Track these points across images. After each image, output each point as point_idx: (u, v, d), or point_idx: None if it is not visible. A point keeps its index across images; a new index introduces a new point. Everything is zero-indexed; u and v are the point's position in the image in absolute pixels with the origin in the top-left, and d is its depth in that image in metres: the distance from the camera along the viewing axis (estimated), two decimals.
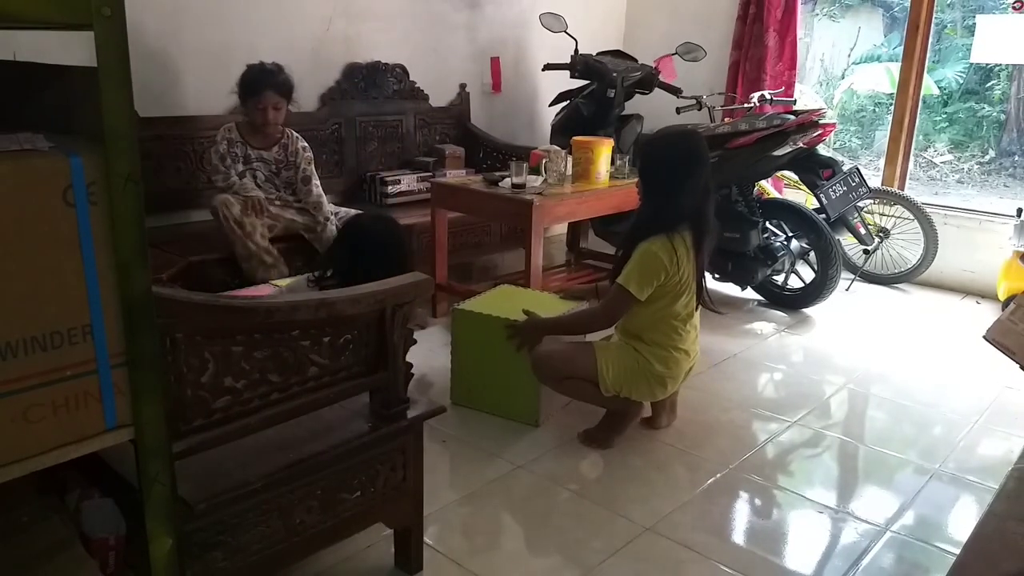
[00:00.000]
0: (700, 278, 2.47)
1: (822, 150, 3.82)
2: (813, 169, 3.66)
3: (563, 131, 3.95)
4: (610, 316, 2.44)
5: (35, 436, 0.94)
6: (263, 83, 3.05)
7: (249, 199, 3.02)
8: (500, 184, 3.29)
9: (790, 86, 4.58)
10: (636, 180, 2.51)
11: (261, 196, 3.07)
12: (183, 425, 1.32)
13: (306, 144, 3.26)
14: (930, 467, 2.44)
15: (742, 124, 3.73)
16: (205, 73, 3.40)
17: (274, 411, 1.47)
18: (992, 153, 7.81)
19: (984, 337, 1.87)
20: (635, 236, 2.37)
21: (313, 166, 3.29)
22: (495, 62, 4.60)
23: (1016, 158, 7.68)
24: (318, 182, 3.30)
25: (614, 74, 3.92)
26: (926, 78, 4.68)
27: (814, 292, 3.80)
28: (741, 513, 2.22)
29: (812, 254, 3.79)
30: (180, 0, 3.28)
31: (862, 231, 3.83)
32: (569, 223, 4.29)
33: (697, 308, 2.50)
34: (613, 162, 3.55)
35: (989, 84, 7.83)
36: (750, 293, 4.02)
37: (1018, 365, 1.83)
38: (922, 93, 4.57)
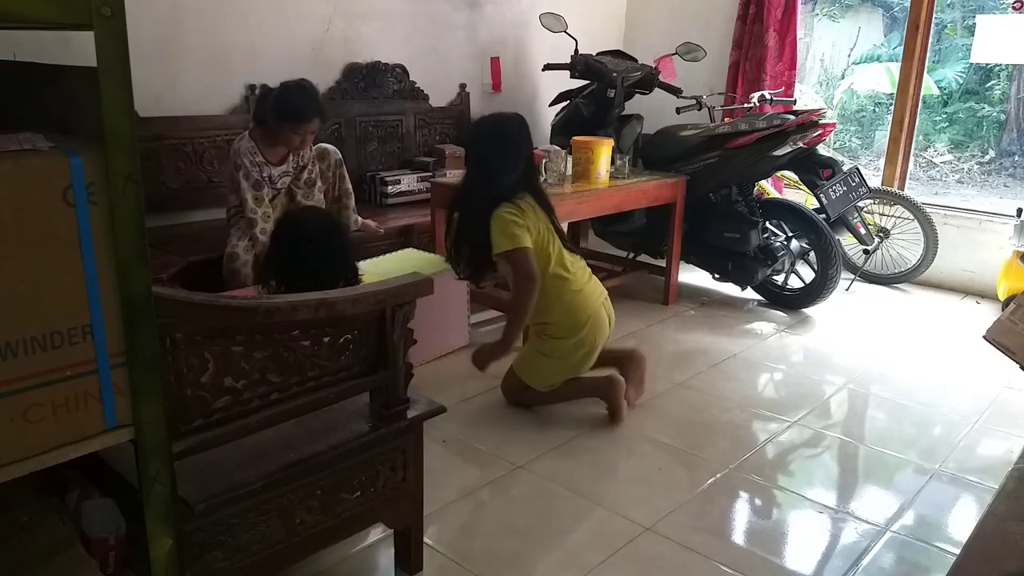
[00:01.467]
0: (559, 232, 2.67)
1: (822, 150, 3.82)
2: (813, 169, 3.66)
3: (563, 131, 3.95)
4: (526, 274, 2.51)
5: (35, 436, 0.94)
6: (313, 112, 2.90)
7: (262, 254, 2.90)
8: None
9: (790, 86, 4.59)
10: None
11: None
12: (183, 425, 1.32)
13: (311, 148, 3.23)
14: (930, 467, 2.44)
15: (742, 124, 3.73)
16: (205, 73, 3.40)
17: (274, 411, 1.47)
18: (992, 153, 7.81)
19: (984, 337, 1.87)
20: (470, 216, 2.59)
21: (342, 169, 3.26)
22: (495, 62, 4.60)
23: (1016, 158, 7.68)
24: (349, 187, 3.27)
25: (614, 74, 3.92)
26: (926, 78, 4.68)
27: (814, 292, 3.80)
28: (741, 513, 2.22)
29: (812, 254, 3.79)
30: (180, 0, 3.28)
31: (862, 231, 3.83)
32: (569, 223, 4.28)
33: (570, 253, 2.70)
34: (613, 162, 3.56)
35: (989, 84, 7.84)
36: (750, 293, 4.02)
37: (1018, 365, 1.83)
38: (922, 93, 4.57)
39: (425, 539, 1.91)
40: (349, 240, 2.31)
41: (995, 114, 7.78)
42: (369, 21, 3.98)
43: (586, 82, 4.09)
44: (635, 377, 2.75)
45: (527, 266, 2.52)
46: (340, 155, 3.27)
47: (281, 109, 2.87)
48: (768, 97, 4.14)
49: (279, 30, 3.61)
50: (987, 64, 7.37)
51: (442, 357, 3.14)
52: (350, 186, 3.31)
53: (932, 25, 4.43)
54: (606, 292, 2.76)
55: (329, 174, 3.23)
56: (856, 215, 3.79)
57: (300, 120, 2.87)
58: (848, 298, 4.13)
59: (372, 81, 4.00)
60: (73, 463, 1.01)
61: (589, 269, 2.77)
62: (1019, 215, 3.73)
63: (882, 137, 6.97)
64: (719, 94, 4.63)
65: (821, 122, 3.58)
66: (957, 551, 1.40)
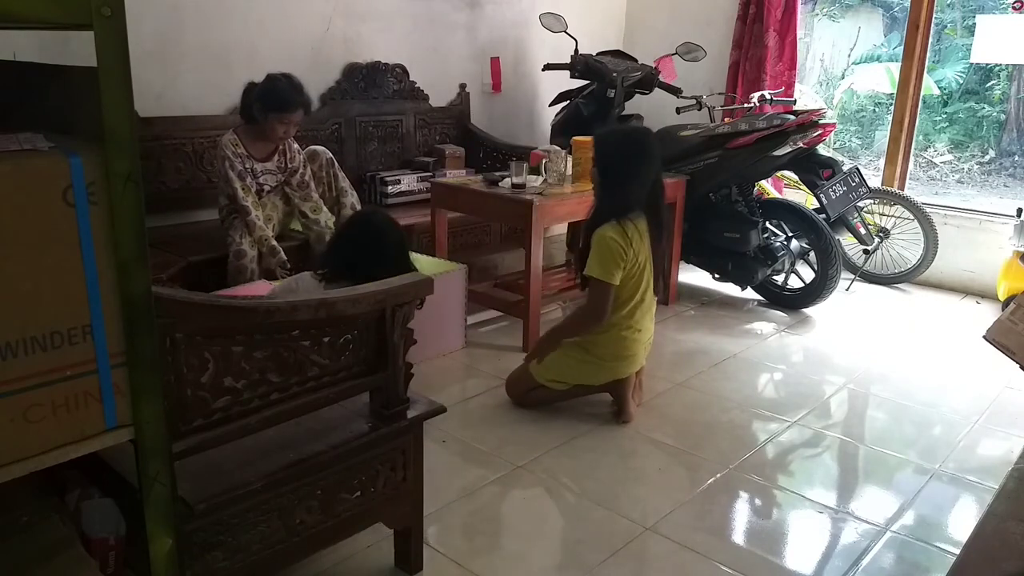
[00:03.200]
0: (657, 264, 2.66)
1: (822, 150, 3.82)
2: (813, 169, 3.66)
3: (563, 131, 3.95)
4: (597, 310, 2.53)
5: (35, 436, 0.94)
6: (297, 102, 2.96)
7: (265, 246, 2.98)
8: (500, 184, 3.29)
9: (790, 86, 4.59)
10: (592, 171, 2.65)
11: (272, 242, 3.02)
12: (183, 425, 1.32)
13: (298, 146, 3.25)
14: (930, 467, 2.44)
15: (742, 124, 3.73)
16: (205, 73, 3.40)
17: (274, 411, 1.47)
18: (992, 153, 7.81)
19: (984, 337, 1.87)
20: (592, 225, 2.55)
21: (336, 168, 3.29)
22: (495, 62, 4.60)
23: (1016, 158, 7.68)
24: (345, 185, 3.31)
25: (614, 74, 3.92)
26: (926, 78, 4.68)
27: (814, 292, 3.80)
28: (741, 513, 2.22)
29: (812, 254, 3.79)
30: (180, 0, 3.28)
31: (862, 231, 3.83)
32: (569, 223, 4.28)
33: (656, 293, 2.70)
34: None
35: (989, 84, 7.84)
36: (750, 293, 4.02)
37: (1018, 365, 1.83)
38: (922, 93, 4.57)
39: (425, 539, 1.91)
40: (406, 249, 2.39)
41: (995, 114, 7.78)
42: (369, 21, 3.98)
43: (586, 82, 4.09)
44: (637, 379, 2.75)
45: (603, 303, 2.51)
46: (330, 154, 3.29)
47: (267, 99, 2.94)
48: (768, 97, 4.14)
49: (279, 30, 3.61)
50: (987, 64, 7.38)
51: (441, 357, 3.14)
52: (346, 183, 3.32)
53: (932, 25, 4.43)
54: (652, 334, 2.76)
55: (323, 174, 3.25)
56: (856, 215, 3.79)
57: (285, 109, 2.93)
58: (848, 298, 4.13)
59: (372, 81, 4.00)
60: (73, 463, 1.01)
61: (655, 306, 2.75)
62: (1019, 215, 3.73)
63: (882, 137, 6.97)
64: (719, 94, 4.64)
65: (821, 122, 3.58)
66: (957, 551, 1.40)
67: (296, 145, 3.18)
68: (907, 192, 4.43)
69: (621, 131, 2.71)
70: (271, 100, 2.94)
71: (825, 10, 8.21)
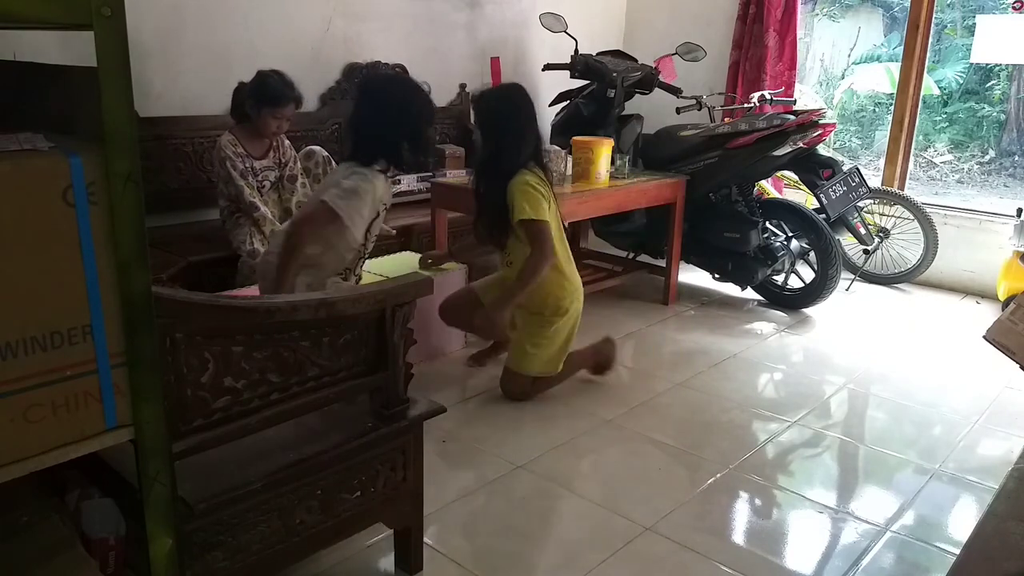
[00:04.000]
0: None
1: (822, 150, 3.82)
2: (813, 169, 3.66)
3: (563, 131, 3.94)
4: (544, 249, 2.60)
5: (35, 436, 0.94)
6: (288, 96, 3.00)
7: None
8: None
9: (790, 86, 4.59)
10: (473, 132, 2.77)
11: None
12: (183, 425, 1.32)
13: (289, 142, 3.25)
14: (930, 467, 2.44)
15: (742, 124, 3.73)
16: (205, 73, 3.40)
17: (274, 411, 1.47)
18: (992, 153, 7.81)
19: (984, 337, 1.87)
20: (491, 178, 2.67)
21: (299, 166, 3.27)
22: (495, 62, 4.60)
23: (1016, 158, 7.68)
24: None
25: (614, 74, 3.92)
26: (926, 78, 4.68)
27: (814, 292, 3.80)
28: (741, 513, 2.22)
29: (812, 254, 3.79)
30: (180, 0, 3.28)
31: (862, 231, 3.83)
32: (569, 223, 4.28)
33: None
34: (613, 162, 3.55)
35: (989, 84, 7.83)
36: (750, 293, 4.02)
37: (1018, 365, 1.83)
38: (922, 93, 4.57)
39: (425, 539, 1.91)
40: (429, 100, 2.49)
41: (995, 114, 7.78)
42: (369, 21, 3.98)
43: (586, 82, 4.09)
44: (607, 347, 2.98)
45: (546, 241, 2.60)
46: (327, 153, 3.30)
47: (259, 95, 2.99)
48: (768, 97, 4.14)
49: (279, 30, 3.61)
50: (987, 64, 7.37)
51: (441, 357, 3.15)
52: None
53: (932, 25, 4.43)
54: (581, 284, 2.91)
55: (319, 171, 3.26)
56: (856, 215, 3.79)
57: (277, 104, 2.98)
58: (848, 298, 4.13)
59: None
60: (73, 463, 1.01)
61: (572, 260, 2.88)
62: (1019, 215, 3.73)
63: (882, 137, 6.97)
64: (719, 94, 4.64)
65: (821, 122, 3.58)
66: (957, 551, 1.40)
67: (287, 141, 3.21)
68: (907, 192, 4.43)
69: (502, 90, 2.83)
70: (263, 95, 2.98)
71: (825, 10, 8.21)
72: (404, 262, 3.20)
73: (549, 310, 2.72)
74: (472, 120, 2.82)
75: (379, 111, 2.38)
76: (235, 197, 3.02)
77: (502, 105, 2.70)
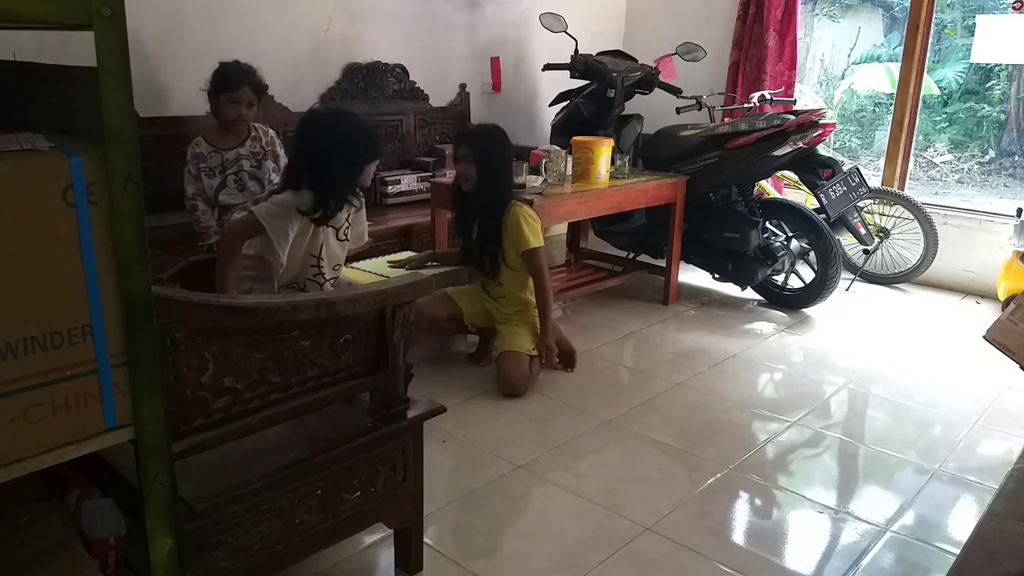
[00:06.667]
0: None
1: (822, 150, 3.82)
2: (813, 169, 3.66)
3: (563, 131, 3.95)
4: (547, 275, 2.91)
5: (35, 436, 0.94)
6: (241, 80, 3.04)
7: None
8: None
9: (790, 86, 4.59)
10: (470, 166, 2.84)
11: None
12: (183, 425, 1.32)
13: (274, 132, 3.24)
14: (930, 467, 2.44)
15: (742, 124, 3.73)
16: (205, 73, 3.37)
17: (274, 411, 1.47)
18: (992, 153, 7.81)
19: (984, 337, 1.87)
20: (487, 211, 2.86)
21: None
22: (495, 62, 4.60)
23: (1016, 158, 7.68)
24: None
25: (614, 74, 3.92)
26: (926, 78, 4.68)
27: (814, 292, 3.80)
28: (741, 513, 2.22)
29: (812, 254, 3.79)
30: (180, 0, 3.28)
31: (862, 231, 3.83)
32: (569, 223, 4.29)
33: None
34: (613, 162, 3.55)
35: (989, 84, 7.84)
36: (750, 293, 4.02)
37: (1018, 365, 1.83)
38: (922, 93, 4.56)
39: (425, 539, 1.91)
40: (375, 134, 2.55)
41: (995, 114, 7.78)
42: (369, 21, 3.98)
43: (586, 82, 4.08)
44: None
45: (545, 263, 2.88)
46: None
47: (214, 82, 3.05)
48: (768, 97, 4.14)
49: (279, 30, 3.61)
50: (987, 64, 7.37)
51: (441, 357, 3.15)
52: None
53: (932, 25, 4.43)
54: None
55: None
56: (856, 215, 3.79)
57: (229, 88, 3.03)
58: (848, 298, 4.13)
59: (372, 81, 4.00)
60: (73, 463, 1.01)
61: None
62: (1019, 215, 3.73)
63: (882, 137, 6.97)
64: (719, 94, 4.63)
65: (821, 122, 3.57)
66: (957, 551, 1.40)
67: (272, 132, 3.22)
68: (907, 192, 4.43)
69: (493, 128, 2.94)
70: (216, 82, 3.04)
71: (825, 10, 8.21)
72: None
73: (530, 304, 2.96)
74: (458, 156, 2.89)
75: (313, 143, 2.39)
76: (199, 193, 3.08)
77: (495, 141, 2.87)
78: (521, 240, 2.80)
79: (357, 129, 2.41)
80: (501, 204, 2.85)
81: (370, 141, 2.45)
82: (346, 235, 2.54)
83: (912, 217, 4.22)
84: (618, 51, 4.28)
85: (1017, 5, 4.31)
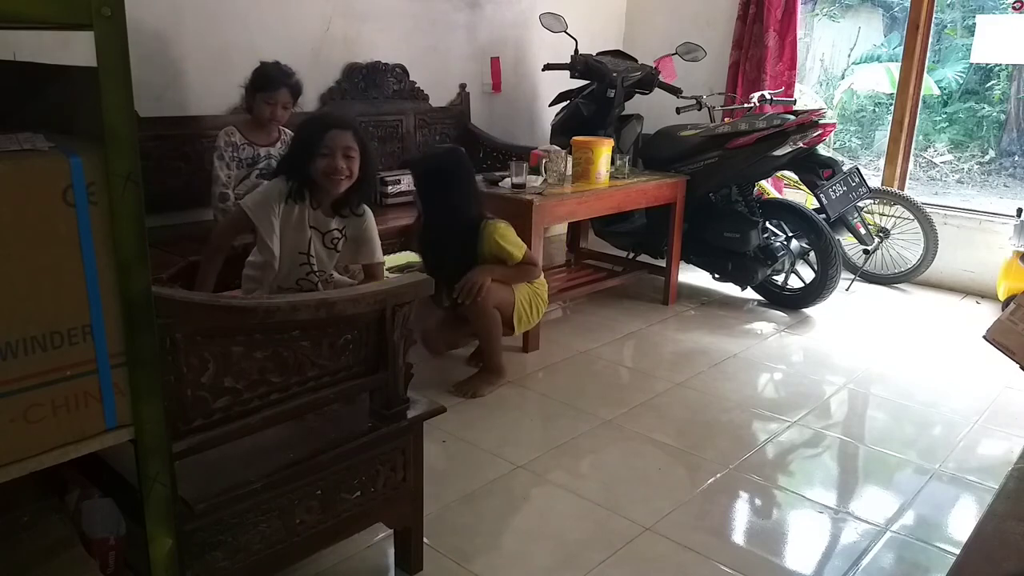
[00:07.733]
0: None
1: (822, 150, 3.82)
2: (813, 169, 3.66)
3: (563, 131, 3.95)
4: (538, 267, 2.94)
5: (35, 436, 0.94)
6: (280, 81, 3.09)
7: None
8: (500, 184, 3.29)
9: (790, 86, 4.59)
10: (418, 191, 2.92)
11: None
12: (183, 425, 1.32)
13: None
14: (930, 467, 2.44)
15: (742, 124, 3.73)
16: (205, 73, 3.40)
17: (274, 411, 1.47)
18: (992, 153, 7.81)
19: (984, 337, 1.87)
20: (466, 238, 2.81)
21: None
22: (495, 62, 4.60)
23: (1016, 158, 7.68)
24: None
25: (614, 74, 3.92)
26: (926, 78, 4.68)
27: (814, 292, 3.80)
28: (741, 513, 2.22)
29: (812, 254, 3.79)
30: (180, 0, 3.28)
31: (862, 231, 3.83)
32: (569, 223, 4.29)
33: None
34: (613, 162, 3.55)
35: (989, 84, 7.84)
36: (750, 293, 4.02)
37: (1018, 365, 1.83)
38: (922, 93, 4.56)
39: (425, 539, 1.91)
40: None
41: (995, 114, 7.78)
42: (369, 21, 3.98)
43: (586, 82, 4.08)
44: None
45: (539, 261, 2.93)
46: None
47: (253, 81, 3.10)
48: (768, 97, 4.14)
49: (279, 30, 3.61)
50: (987, 64, 7.37)
51: (439, 358, 3.15)
52: None
53: (932, 25, 4.43)
54: None
55: None
56: (856, 215, 3.79)
57: (267, 88, 3.08)
58: (848, 298, 4.13)
59: (372, 81, 4.00)
60: (73, 463, 1.01)
61: None
62: (1019, 215, 3.73)
63: (882, 137, 6.97)
64: (719, 94, 4.63)
65: (821, 122, 3.57)
66: (957, 551, 1.40)
67: (290, 132, 3.21)
68: (907, 192, 4.43)
69: (449, 154, 2.94)
70: (256, 81, 3.09)
71: (825, 10, 8.21)
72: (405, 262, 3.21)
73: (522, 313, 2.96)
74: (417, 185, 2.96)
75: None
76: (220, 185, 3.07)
77: (451, 165, 2.84)
78: (508, 256, 2.79)
79: (311, 119, 2.50)
80: (472, 229, 2.80)
81: (312, 126, 2.43)
82: (333, 244, 2.47)
83: (912, 217, 4.22)
84: (618, 51, 4.28)
85: (1017, 5, 4.31)
